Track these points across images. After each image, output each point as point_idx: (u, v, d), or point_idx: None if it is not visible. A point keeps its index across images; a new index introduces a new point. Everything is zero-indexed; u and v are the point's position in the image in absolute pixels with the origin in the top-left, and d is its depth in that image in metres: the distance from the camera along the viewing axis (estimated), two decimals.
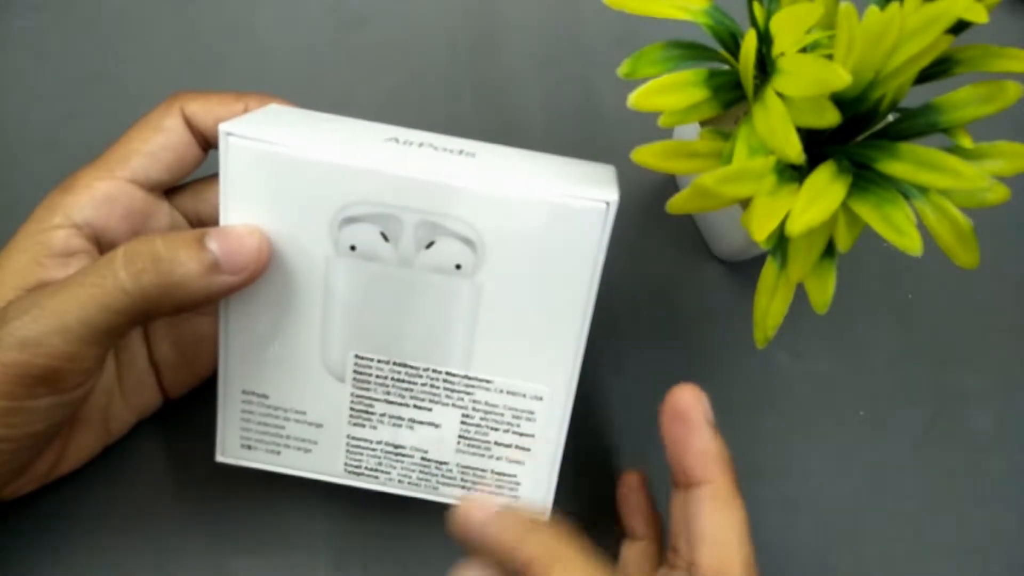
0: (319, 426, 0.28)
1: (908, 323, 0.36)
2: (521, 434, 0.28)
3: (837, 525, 0.34)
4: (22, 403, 0.24)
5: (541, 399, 0.27)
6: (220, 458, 0.29)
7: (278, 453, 0.28)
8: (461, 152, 0.27)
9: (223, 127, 0.25)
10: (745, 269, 0.36)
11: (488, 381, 0.27)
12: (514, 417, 0.27)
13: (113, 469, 0.31)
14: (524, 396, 0.27)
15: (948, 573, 0.33)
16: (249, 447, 0.28)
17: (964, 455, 0.34)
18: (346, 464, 0.28)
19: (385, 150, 0.26)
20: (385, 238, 0.25)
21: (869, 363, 0.35)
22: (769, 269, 0.25)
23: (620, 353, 0.34)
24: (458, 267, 0.26)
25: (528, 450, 0.28)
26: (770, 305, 0.26)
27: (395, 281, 0.26)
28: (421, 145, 0.27)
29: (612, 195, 0.25)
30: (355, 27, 0.39)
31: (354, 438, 0.28)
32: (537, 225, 0.25)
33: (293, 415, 0.28)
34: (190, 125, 0.28)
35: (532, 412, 0.27)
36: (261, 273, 0.25)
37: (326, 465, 0.29)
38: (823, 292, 0.25)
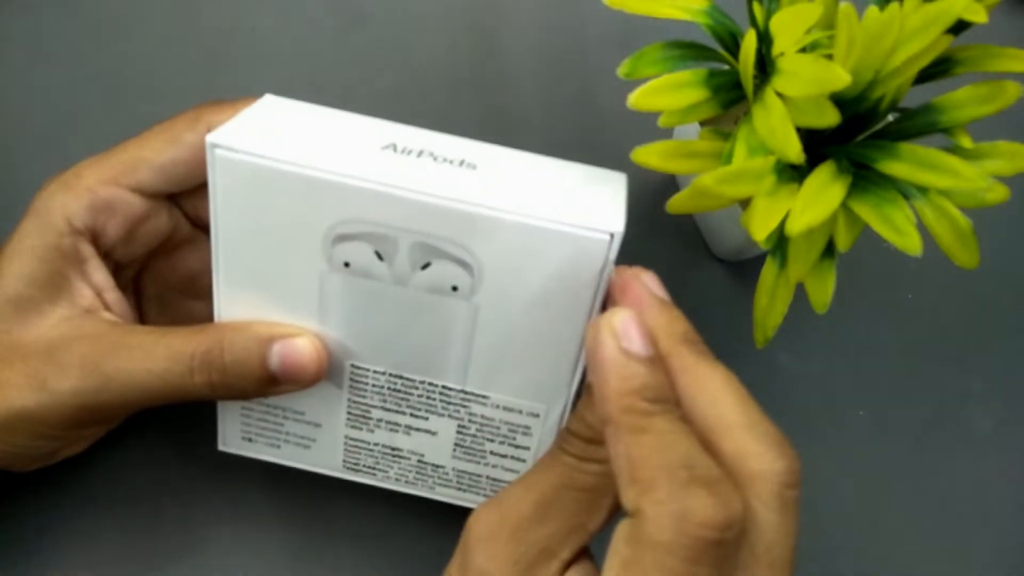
0: (317, 425, 0.28)
1: (908, 323, 0.36)
2: (517, 446, 0.28)
3: (836, 525, 0.33)
4: (68, 432, 0.27)
5: (538, 416, 0.27)
6: (222, 447, 0.29)
7: (278, 447, 0.29)
8: (462, 163, 0.25)
9: (210, 138, 0.23)
10: (745, 269, 0.36)
11: (484, 396, 0.27)
12: (510, 431, 0.27)
13: (115, 459, 0.31)
14: (521, 412, 0.27)
15: (948, 573, 0.33)
16: (250, 440, 0.29)
17: (964, 455, 0.34)
18: (344, 460, 0.29)
19: (381, 162, 0.24)
20: (380, 257, 0.25)
21: (869, 363, 0.35)
22: (769, 269, 0.25)
23: None
24: (455, 288, 0.25)
25: (524, 461, 0.28)
26: (770, 305, 0.26)
27: (390, 298, 0.25)
28: (420, 154, 0.25)
29: (617, 224, 0.23)
30: (355, 26, 0.39)
31: (351, 439, 0.28)
32: (536, 252, 0.24)
33: (292, 414, 0.28)
34: None
35: (528, 427, 0.27)
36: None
37: (325, 460, 0.29)
38: (823, 292, 0.25)
